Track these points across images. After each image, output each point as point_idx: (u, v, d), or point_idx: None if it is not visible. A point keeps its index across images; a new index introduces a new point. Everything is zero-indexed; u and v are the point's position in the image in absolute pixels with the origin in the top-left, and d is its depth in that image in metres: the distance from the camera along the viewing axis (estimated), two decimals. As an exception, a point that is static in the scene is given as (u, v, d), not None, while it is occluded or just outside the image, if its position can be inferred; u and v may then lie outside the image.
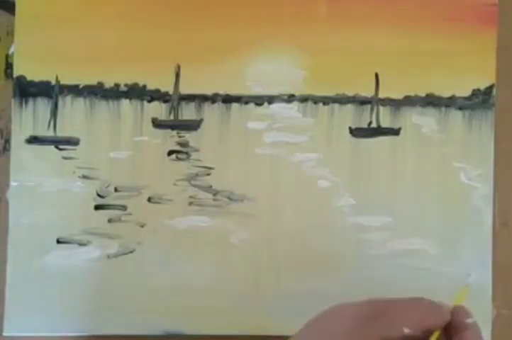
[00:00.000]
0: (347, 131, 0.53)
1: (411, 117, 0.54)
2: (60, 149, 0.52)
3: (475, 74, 0.54)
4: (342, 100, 0.53)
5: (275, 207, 0.53)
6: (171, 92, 0.53)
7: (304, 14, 0.53)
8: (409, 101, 0.53)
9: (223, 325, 0.51)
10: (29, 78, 0.52)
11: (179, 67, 0.53)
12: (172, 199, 0.52)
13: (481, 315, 0.52)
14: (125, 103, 0.53)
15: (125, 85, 0.53)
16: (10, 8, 0.52)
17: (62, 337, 0.52)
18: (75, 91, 0.52)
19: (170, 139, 0.53)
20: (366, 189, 0.53)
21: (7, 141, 0.53)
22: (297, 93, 0.53)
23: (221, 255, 0.52)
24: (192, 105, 0.53)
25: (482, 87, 0.54)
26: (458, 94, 0.54)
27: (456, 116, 0.54)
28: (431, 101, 0.54)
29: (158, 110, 0.53)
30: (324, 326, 0.39)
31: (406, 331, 0.37)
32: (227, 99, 0.53)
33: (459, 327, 0.40)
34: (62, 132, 0.52)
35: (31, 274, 0.51)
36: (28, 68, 0.52)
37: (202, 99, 0.53)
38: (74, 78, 0.52)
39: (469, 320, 0.41)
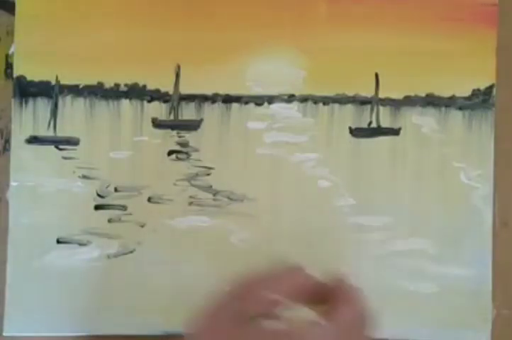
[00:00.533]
0: (347, 131, 0.53)
1: (411, 117, 0.54)
2: (60, 149, 0.52)
3: (475, 74, 0.53)
4: (342, 100, 0.53)
5: (275, 207, 0.53)
6: (171, 92, 0.53)
7: (304, 14, 0.53)
8: (409, 101, 0.53)
9: (223, 325, 0.51)
10: (29, 78, 0.52)
11: (179, 67, 0.53)
12: (172, 199, 0.52)
13: (481, 315, 0.52)
14: (125, 103, 0.53)
15: (125, 85, 0.53)
16: (10, 8, 0.52)
17: (62, 337, 0.51)
18: (75, 91, 0.52)
19: (170, 139, 0.53)
20: (366, 189, 0.53)
21: (7, 141, 0.53)
22: (297, 93, 0.53)
23: (221, 255, 0.52)
24: (192, 105, 0.53)
25: (482, 87, 0.54)
26: (458, 94, 0.54)
27: (456, 116, 0.54)
28: (431, 101, 0.54)
29: (158, 110, 0.53)
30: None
31: (273, 296, 0.37)
32: (227, 99, 0.53)
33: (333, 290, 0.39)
34: (62, 132, 0.52)
35: (31, 274, 0.51)
36: (28, 68, 0.52)
37: (202, 99, 0.53)
38: (74, 78, 0.52)
39: (341, 281, 0.39)
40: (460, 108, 0.54)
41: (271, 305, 0.37)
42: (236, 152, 0.53)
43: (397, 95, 0.53)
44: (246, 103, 0.53)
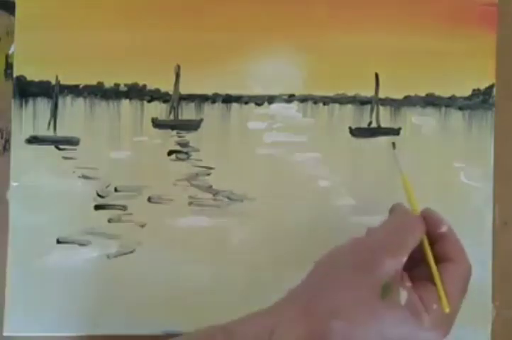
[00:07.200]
0: (347, 131, 0.53)
1: (411, 117, 0.54)
2: (60, 149, 0.52)
3: (475, 74, 0.54)
4: (342, 100, 0.53)
5: (275, 207, 0.53)
6: (171, 92, 0.53)
7: (304, 14, 0.53)
8: (409, 101, 0.53)
9: (223, 325, 0.51)
10: (29, 78, 0.52)
11: (179, 67, 0.53)
12: (172, 199, 0.52)
13: (481, 315, 0.52)
14: (125, 103, 0.53)
15: (125, 85, 0.53)
16: (11, 8, 0.52)
17: (62, 337, 0.51)
18: (75, 91, 0.52)
19: (170, 139, 0.53)
20: (366, 189, 0.53)
21: (7, 141, 0.53)
22: (297, 93, 0.53)
23: (221, 255, 0.52)
24: (192, 105, 0.53)
25: (482, 87, 0.54)
26: (458, 94, 0.54)
27: (456, 116, 0.54)
28: (431, 101, 0.54)
29: (158, 110, 0.53)
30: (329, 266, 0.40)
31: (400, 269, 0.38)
32: (227, 99, 0.53)
33: (435, 237, 0.41)
34: (62, 132, 0.52)
35: (31, 274, 0.51)
36: (28, 68, 0.52)
37: (202, 99, 0.53)
38: (74, 78, 0.52)
39: (443, 229, 0.41)
40: (460, 108, 0.54)
41: (399, 277, 0.38)
42: (236, 152, 0.53)
43: (397, 95, 0.53)
44: (246, 103, 0.53)
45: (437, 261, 0.40)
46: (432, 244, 0.41)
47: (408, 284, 0.38)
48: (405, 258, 0.38)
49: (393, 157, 0.48)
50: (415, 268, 0.41)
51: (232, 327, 0.39)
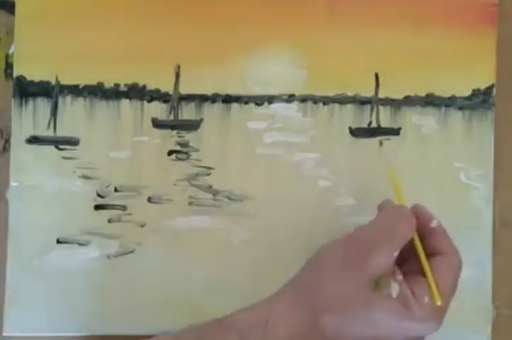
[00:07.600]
0: (347, 131, 0.53)
1: (411, 117, 0.54)
2: (60, 149, 0.52)
3: (475, 74, 0.54)
4: (342, 100, 0.53)
5: (275, 207, 0.53)
6: (171, 92, 0.53)
7: (304, 14, 0.53)
8: (409, 101, 0.53)
9: (223, 325, 0.51)
10: (29, 78, 0.52)
11: (179, 67, 0.53)
12: (172, 199, 0.52)
13: (481, 315, 0.52)
14: (125, 103, 0.53)
15: (125, 85, 0.53)
16: (11, 8, 0.52)
17: (62, 337, 0.51)
18: (75, 91, 0.52)
19: (170, 139, 0.53)
20: (366, 189, 0.53)
21: (7, 141, 0.53)
22: (297, 93, 0.53)
23: (221, 255, 0.52)
24: (192, 105, 0.53)
25: (482, 87, 0.54)
26: (458, 94, 0.54)
27: (456, 116, 0.54)
28: (431, 101, 0.54)
29: (158, 110, 0.53)
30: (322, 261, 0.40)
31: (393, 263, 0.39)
32: (227, 99, 0.53)
33: (425, 232, 0.41)
34: (62, 132, 0.52)
35: (31, 274, 0.51)
36: (28, 68, 0.52)
37: (202, 99, 0.53)
38: (74, 78, 0.52)
39: (433, 224, 0.41)
40: (460, 108, 0.54)
41: (390, 271, 0.39)
42: (236, 152, 0.53)
43: (397, 95, 0.53)
44: (246, 103, 0.53)
45: (428, 256, 0.40)
46: (422, 238, 0.41)
47: (400, 277, 0.39)
48: (397, 253, 0.39)
49: (381, 154, 0.51)
50: (406, 262, 0.41)
51: (229, 319, 0.40)
